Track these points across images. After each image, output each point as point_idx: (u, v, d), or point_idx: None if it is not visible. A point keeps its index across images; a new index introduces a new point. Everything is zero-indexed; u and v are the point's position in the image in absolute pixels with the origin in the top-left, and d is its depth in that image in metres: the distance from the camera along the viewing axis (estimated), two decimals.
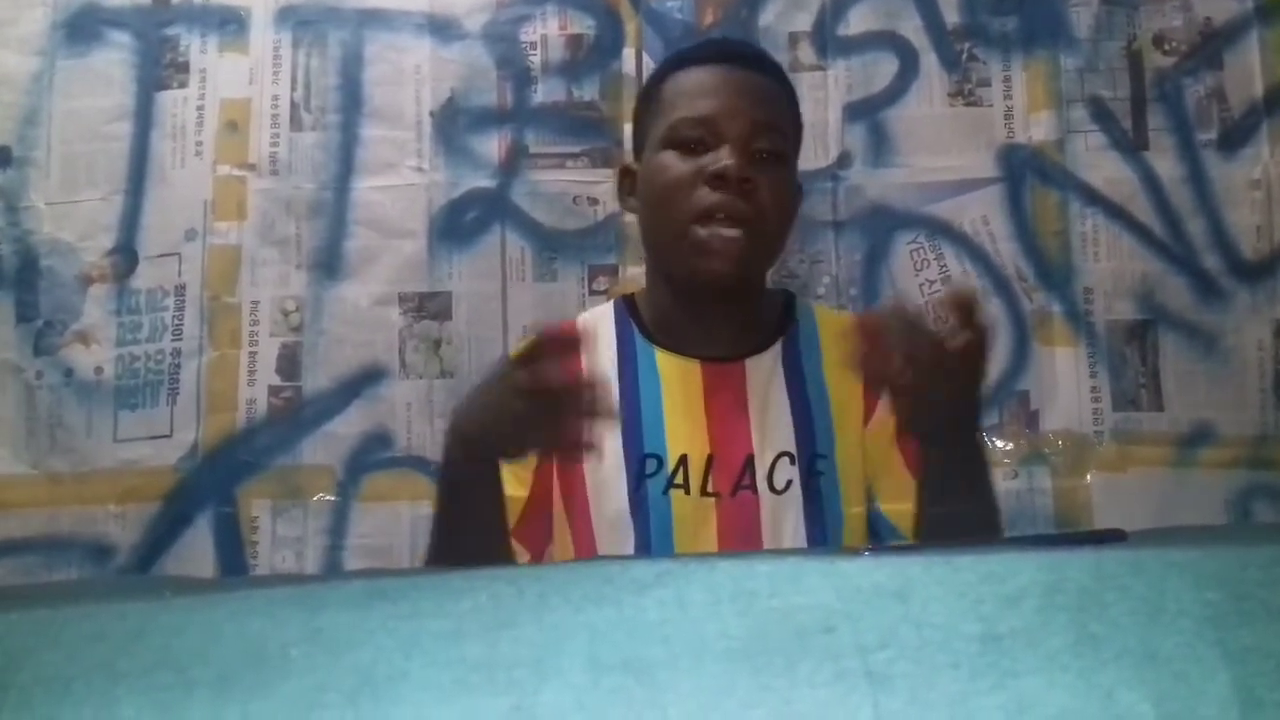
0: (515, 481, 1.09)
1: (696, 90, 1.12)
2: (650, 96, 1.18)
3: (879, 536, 1.12)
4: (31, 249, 1.68)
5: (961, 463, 0.99)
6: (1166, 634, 0.44)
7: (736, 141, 1.08)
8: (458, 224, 1.70)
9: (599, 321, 1.20)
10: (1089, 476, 1.63)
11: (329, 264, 1.68)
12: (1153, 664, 0.43)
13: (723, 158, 1.07)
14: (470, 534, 1.00)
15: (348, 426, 1.65)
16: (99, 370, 1.66)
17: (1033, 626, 0.44)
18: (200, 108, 1.72)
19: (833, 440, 1.11)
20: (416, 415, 1.66)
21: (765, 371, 1.14)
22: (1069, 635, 0.44)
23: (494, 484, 1.01)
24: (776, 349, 1.16)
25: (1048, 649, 0.43)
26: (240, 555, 1.62)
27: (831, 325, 1.20)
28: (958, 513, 0.96)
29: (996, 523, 1.05)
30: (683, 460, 1.10)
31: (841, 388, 1.14)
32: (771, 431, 1.11)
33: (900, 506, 1.08)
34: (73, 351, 1.67)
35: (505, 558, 1.02)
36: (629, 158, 1.68)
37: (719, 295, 1.12)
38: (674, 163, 1.10)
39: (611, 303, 1.24)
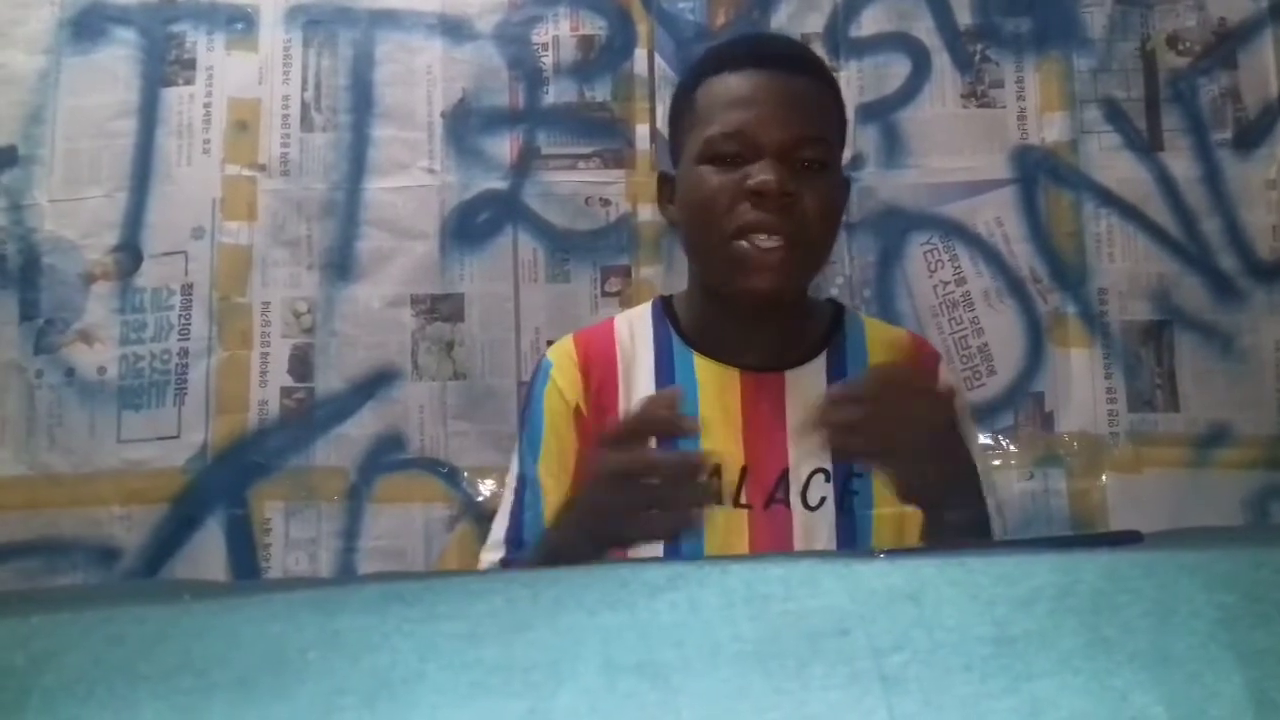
0: (554, 479, 1.09)
1: (732, 101, 1.07)
2: (685, 103, 1.14)
3: None
4: (34, 247, 1.68)
5: (961, 522, 0.97)
6: (1179, 636, 0.44)
7: (776, 153, 1.04)
8: (470, 225, 1.70)
9: (636, 322, 1.19)
10: (1104, 478, 1.62)
11: (341, 265, 1.69)
12: (1166, 666, 0.43)
13: (763, 172, 1.03)
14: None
15: (360, 428, 1.65)
16: (102, 370, 1.66)
17: (1046, 629, 0.44)
18: (207, 105, 1.72)
19: None
20: (429, 417, 1.66)
21: (807, 385, 1.12)
22: (1082, 637, 0.44)
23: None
24: (820, 362, 1.14)
25: (1061, 651, 0.43)
26: (252, 557, 1.62)
27: (881, 339, 1.18)
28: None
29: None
30: (717, 470, 1.07)
31: None
32: (808, 446, 1.08)
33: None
34: (75, 350, 1.66)
35: None
36: (640, 159, 1.70)
37: (762, 308, 1.10)
38: (712, 177, 1.06)
39: (650, 303, 1.22)
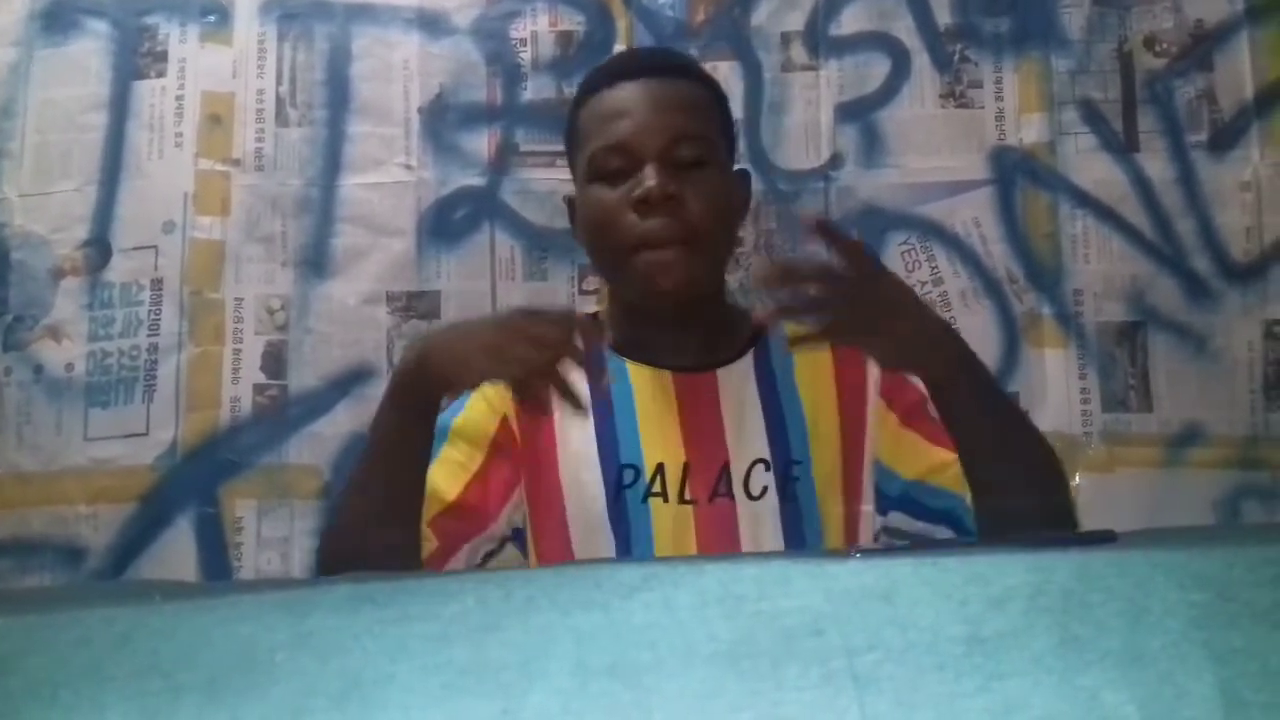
0: (449, 479, 1.09)
1: (608, 114, 1.11)
2: (572, 127, 1.18)
3: (923, 508, 1.12)
4: (3, 242, 1.65)
5: (983, 414, 1.00)
6: (1152, 635, 0.44)
7: (657, 157, 1.07)
8: (447, 222, 1.69)
9: None
10: (1077, 478, 1.63)
11: (315, 262, 1.67)
12: (1138, 665, 0.43)
13: (645, 179, 1.06)
14: (383, 495, 1.01)
15: (334, 426, 1.64)
16: (69, 367, 1.63)
17: (1018, 628, 0.44)
18: (180, 98, 1.70)
19: (807, 446, 1.12)
20: None
21: (737, 381, 1.15)
22: (1054, 637, 0.44)
23: (424, 444, 1.02)
24: (748, 359, 1.17)
25: (1033, 650, 0.43)
26: (224, 557, 1.60)
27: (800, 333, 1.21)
28: (1021, 503, 0.97)
29: (1066, 501, 1.06)
30: (659, 469, 1.10)
31: (814, 393, 1.15)
32: (746, 439, 1.12)
33: (937, 459, 1.09)
34: (43, 347, 1.64)
35: (409, 531, 1.01)
36: None
37: (679, 309, 1.13)
38: (602, 194, 1.10)
39: None
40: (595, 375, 1.10)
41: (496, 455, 1.12)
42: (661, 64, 1.19)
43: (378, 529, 0.98)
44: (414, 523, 1.02)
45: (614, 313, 1.21)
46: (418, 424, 1.02)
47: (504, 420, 1.13)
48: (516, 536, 1.15)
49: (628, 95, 1.11)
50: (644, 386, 1.14)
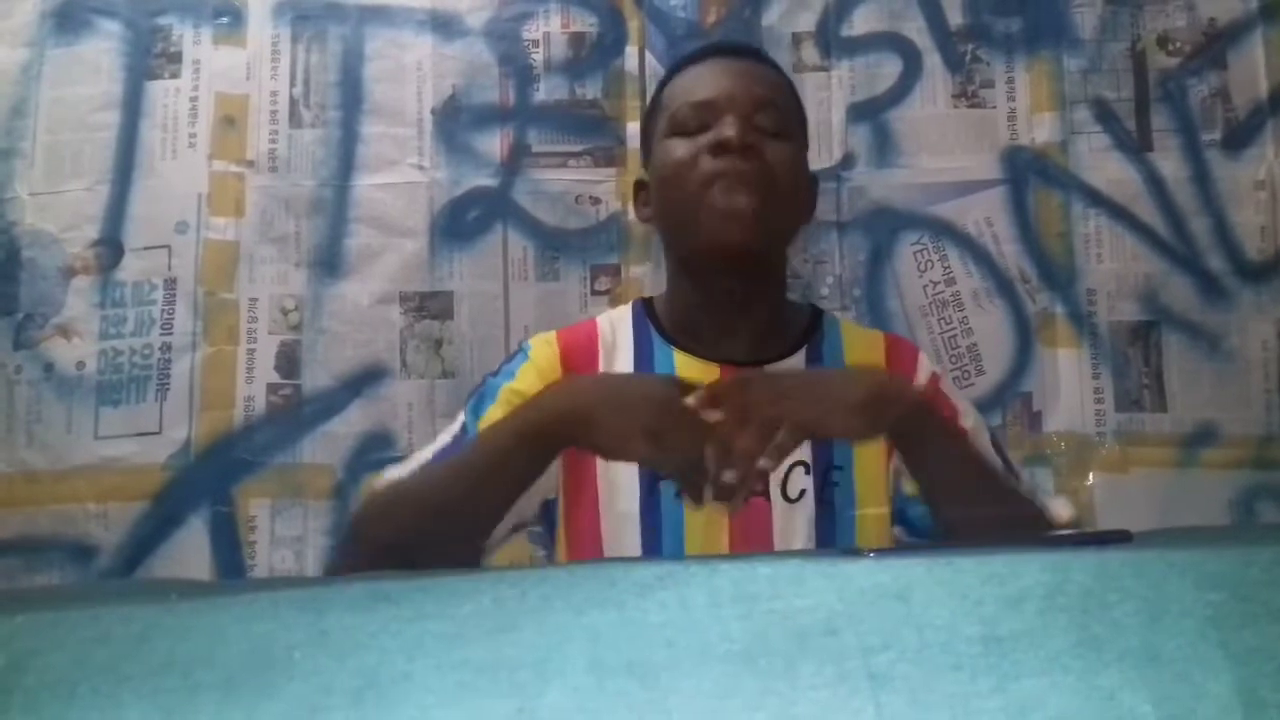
0: None
1: (694, 82, 1.13)
2: (654, 105, 1.19)
3: (910, 524, 1.12)
4: (14, 240, 1.66)
5: (942, 461, 1.01)
6: (1169, 635, 0.44)
7: (737, 113, 1.08)
8: (459, 223, 1.70)
9: (617, 320, 1.19)
10: (1091, 477, 1.62)
11: (329, 262, 1.68)
12: (1155, 665, 0.43)
13: (724, 128, 1.07)
14: (469, 509, 1.00)
15: (348, 426, 1.65)
16: (80, 365, 1.64)
17: (1034, 628, 0.44)
18: (194, 99, 1.71)
19: (850, 451, 1.10)
20: (418, 415, 1.65)
21: None
22: (1070, 636, 0.44)
23: (533, 475, 1.02)
24: (799, 357, 1.15)
25: (1049, 650, 0.43)
26: (237, 555, 1.61)
27: (858, 338, 1.20)
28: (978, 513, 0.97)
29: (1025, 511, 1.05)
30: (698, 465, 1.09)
31: None
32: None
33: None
34: (54, 345, 1.64)
35: (475, 546, 1.02)
36: (632, 157, 1.69)
37: (740, 266, 1.11)
38: (678, 145, 1.10)
39: (630, 305, 1.23)
40: (642, 366, 1.12)
41: None
42: (749, 50, 1.24)
43: (447, 532, 0.98)
44: (483, 537, 1.02)
45: (670, 297, 1.19)
46: (536, 460, 1.01)
47: None
48: (545, 514, 1.15)
49: (713, 68, 1.14)
50: (689, 378, 1.11)
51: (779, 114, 1.12)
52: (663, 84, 1.20)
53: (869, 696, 0.41)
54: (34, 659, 0.44)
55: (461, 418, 1.14)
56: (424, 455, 1.12)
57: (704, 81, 1.12)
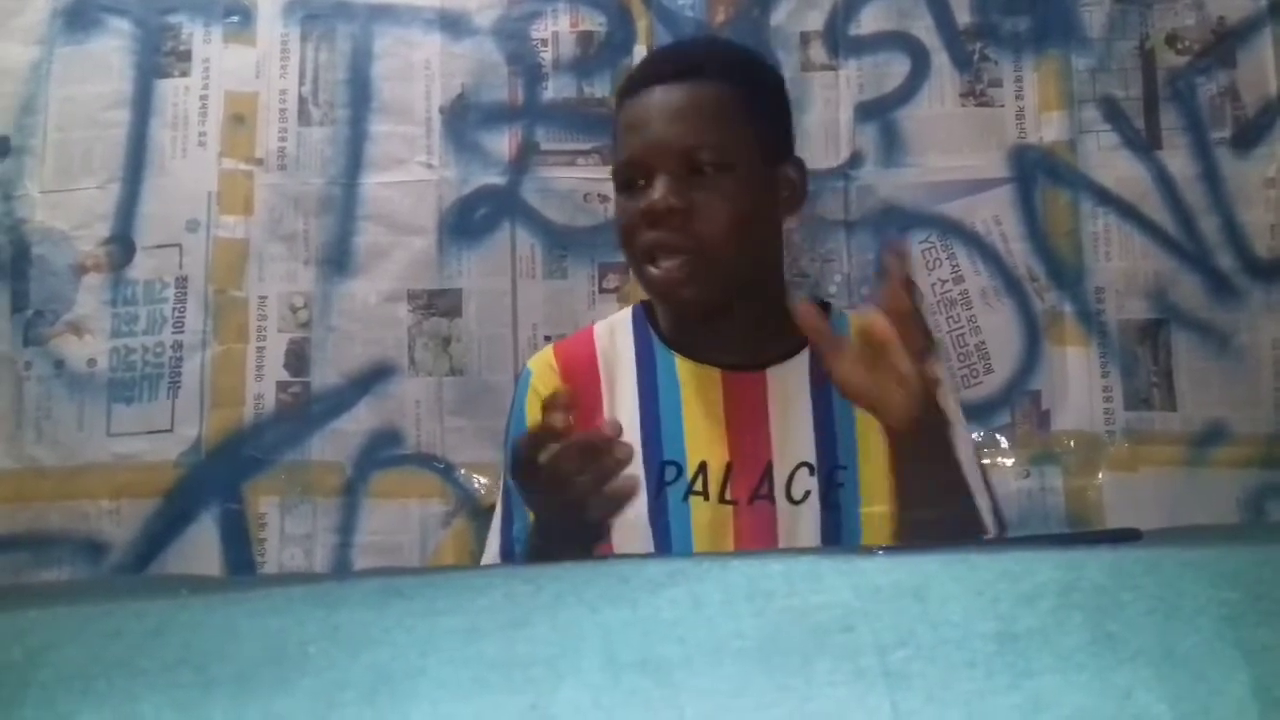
0: None
1: (629, 126, 1.10)
2: (614, 134, 1.17)
3: None
4: (24, 237, 1.67)
5: (933, 465, 0.98)
6: (1184, 633, 0.44)
7: (668, 170, 1.06)
8: (468, 221, 1.70)
9: (617, 327, 1.19)
10: (1100, 476, 1.62)
11: (338, 260, 1.68)
12: (1170, 663, 0.43)
13: (654, 193, 1.06)
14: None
15: (357, 423, 1.65)
16: (91, 362, 1.65)
17: (1049, 625, 0.44)
18: (204, 98, 1.72)
19: (855, 450, 1.10)
20: (426, 413, 1.66)
21: (789, 381, 1.12)
22: (1085, 634, 0.44)
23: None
24: (803, 358, 1.14)
25: (1064, 648, 0.43)
26: (247, 552, 1.62)
27: (863, 327, 1.18)
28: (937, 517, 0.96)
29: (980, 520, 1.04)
30: (702, 467, 1.09)
31: None
32: (791, 441, 1.10)
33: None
34: (64, 342, 1.65)
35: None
36: None
37: (706, 316, 1.11)
38: (624, 205, 1.10)
39: (630, 309, 1.23)
40: (644, 373, 1.11)
41: None
42: (686, 67, 1.14)
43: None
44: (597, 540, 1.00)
45: (664, 307, 1.19)
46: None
47: None
48: None
49: (647, 105, 1.10)
50: (691, 383, 1.13)
51: (718, 145, 1.07)
52: (616, 104, 1.17)
53: (885, 694, 0.41)
54: (48, 653, 0.44)
55: (502, 478, 1.16)
56: (493, 545, 1.14)
57: (637, 127, 1.09)
